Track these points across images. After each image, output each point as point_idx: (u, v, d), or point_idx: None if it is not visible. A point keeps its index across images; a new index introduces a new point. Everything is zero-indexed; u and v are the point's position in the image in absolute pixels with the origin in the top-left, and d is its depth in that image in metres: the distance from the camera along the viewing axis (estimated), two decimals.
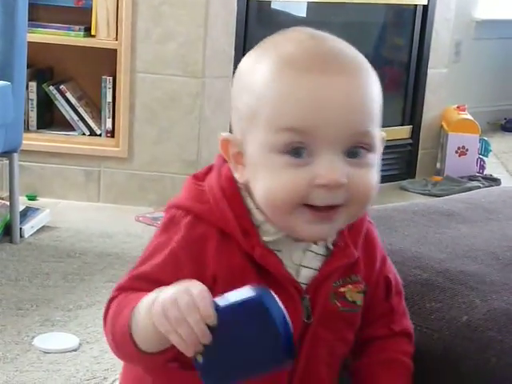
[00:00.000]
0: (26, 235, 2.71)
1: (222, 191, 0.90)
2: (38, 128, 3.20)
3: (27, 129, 3.06)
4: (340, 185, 0.84)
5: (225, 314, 0.78)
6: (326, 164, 0.84)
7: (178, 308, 0.78)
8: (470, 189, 3.16)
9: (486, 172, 3.77)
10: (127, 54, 3.06)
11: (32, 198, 3.09)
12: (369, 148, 0.87)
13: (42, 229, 2.79)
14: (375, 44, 3.76)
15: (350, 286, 0.94)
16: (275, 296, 0.79)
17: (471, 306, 1.05)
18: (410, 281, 1.11)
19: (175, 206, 0.92)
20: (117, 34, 3.06)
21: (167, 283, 0.83)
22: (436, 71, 3.69)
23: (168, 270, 0.88)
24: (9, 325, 2.10)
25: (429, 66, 3.66)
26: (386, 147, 3.63)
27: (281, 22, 3.55)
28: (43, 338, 2.04)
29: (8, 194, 2.71)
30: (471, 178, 3.63)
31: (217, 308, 0.78)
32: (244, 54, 3.26)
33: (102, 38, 3.08)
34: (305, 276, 0.92)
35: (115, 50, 3.07)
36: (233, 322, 0.78)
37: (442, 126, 3.73)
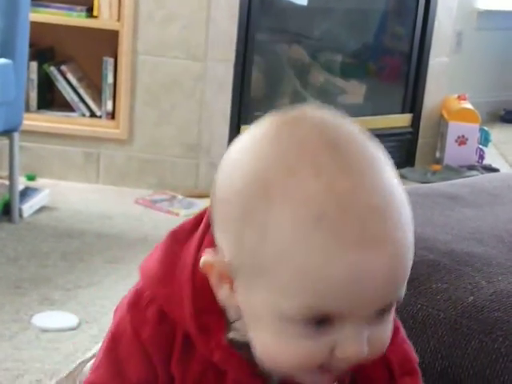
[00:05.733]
0: (25, 215, 2.71)
1: (192, 274, 0.75)
2: (39, 108, 3.20)
3: (27, 109, 3.05)
4: (362, 357, 0.71)
5: None
6: (351, 336, 0.69)
7: None
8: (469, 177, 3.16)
9: (485, 162, 3.77)
10: (129, 35, 3.05)
11: (31, 178, 3.09)
12: (393, 306, 0.73)
13: (41, 209, 2.79)
14: (377, 32, 3.75)
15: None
16: None
17: (477, 287, 1.05)
18: (416, 262, 1.10)
19: (143, 280, 0.79)
20: (119, 16, 3.05)
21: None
22: (437, 60, 3.68)
23: (144, 372, 0.78)
24: (7, 303, 2.10)
25: (430, 55, 3.65)
26: (386, 135, 3.66)
27: (283, 5, 3.54)
28: (42, 316, 2.04)
29: (7, 173, 2.70)
30: (470, 168, 3.63)
31: None
32: (247, 39, 3.22)
33: (104, 19, 3.07)
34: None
35: (117, 32, 3.06)
36: None
37: (442, 115, 3.73)
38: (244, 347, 0.75)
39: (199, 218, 0.79)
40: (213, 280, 0.73)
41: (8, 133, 2.63)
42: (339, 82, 3.71)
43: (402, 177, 3.56)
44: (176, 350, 0.77)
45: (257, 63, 3.33)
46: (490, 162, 3.79)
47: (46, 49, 3.23)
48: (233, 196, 0.69)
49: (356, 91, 3.77)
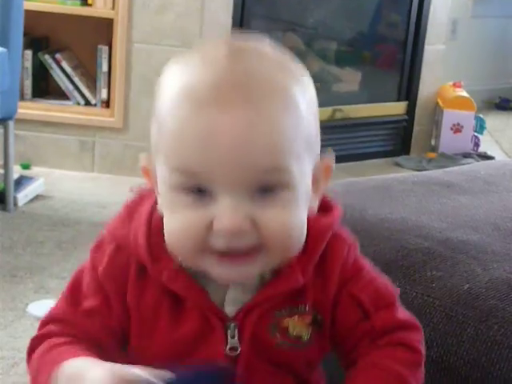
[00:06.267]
0: (20, 204, 2.70)
1: (149, 218, 0.82)
2: (33, 97, 3.18)
3: (22, 97, 3.03)
4: (240, 231, 0.74)
5: None
6: (226, 208, 0.74)
7: None
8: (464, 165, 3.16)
9: (480, 149, 3.77)
10: (124, 23, 3.03)
11: (26, 166, 3.08)
12: (285, 186, 0.75)
13: (36, 198, 2.78)
14: (372, 20, 3.75)
15: (296, 317, 0.83)
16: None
17: (472, 274, 1.05)
18: (411, 249, 1.11)
19: (105, 227, 0.86)
20: (114, 4, 3.03)
21: (98, 313, 0.83)
22: (433, 48, 3.68)
23: (97, 301, 0.84)
24: (3, 292, 2.10)
25: (426, 42, 3.65)
26: (381, 123, 3.65)
27: None
28: (37, 304, 2.04)
29: (2, 162, 2.69)
30: (466, 155, 3.64)
31: None
32: (242, 27, 3.20)
33: (99, 7, 3.05)
34: (232, 306, 0.82)
35: (112, 20, 3.04)
36: None
37: (437, 103, 3.73)
38: (192, 273, 0.80)
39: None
40: (149, 182, 0.82)
41: (2, 121, 2.62)
42: (334, 69, 3.70)
43: (397, 165, 3.56)
44: (130, 279, 0.83)
45: None
46: (485, 150, 3.79)
47: (41, 37, 3.22)
48: (157, 87, 0.80)
49: (351, 79, 3.76)
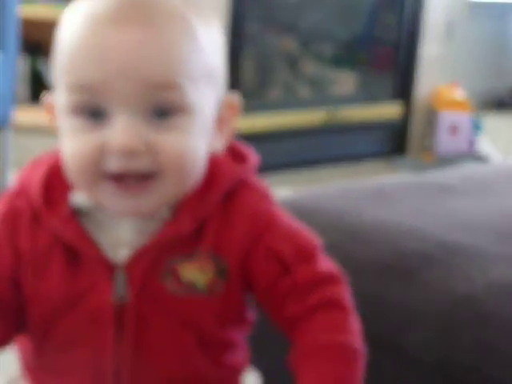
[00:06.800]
0: None
1: (53, 162, 0.82)
2: (29, 103, 3.18)
3: (18, 104, 3.03)
4: (132, 151, 0.73)
5: None
6: (119, 127, 0.74)
7: None
8: (461, 167, 3.17)
9: (476, 151, 3.77)
10: None
11: None
12: (179, 109, 0.75)
13: None
14: (367, 21, 3.75)
15: (189, 264, 0.80)
16: None
17: (470, 278, 1.05)
18: (407, 253, 1.11)
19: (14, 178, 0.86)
20: None
21: None
22: (428, 49, 3.68)
23: None
24: None
25: (421, 44, 3.65)
26: (377, 124, 3.63)
27: None
28: None
29: None
30: (462, 157, 3.64)
31: None
32: (238, 29, 3.17)
33: None
34: (124, 254, 0.80)
35: None
36: None
37: (433, 104, 3.73)
38: (88, 217, 0.80)
39: None
40: (51, 119, 0.81)
41: None
42: (330, 71, 3.71)
43: (393, 166, 3.56)
44: (23, 223, 0.81)
45: (248, 54, 3.32)
46: (482, 151, 3.79)
47: (37, 43, 3.21)
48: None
49: (347, 81, 3.76)
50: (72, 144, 0.76)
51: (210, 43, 0.78)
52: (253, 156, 0.85)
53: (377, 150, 3.67)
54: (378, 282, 1.09)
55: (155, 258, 0.80)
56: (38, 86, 3.22)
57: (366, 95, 3.71)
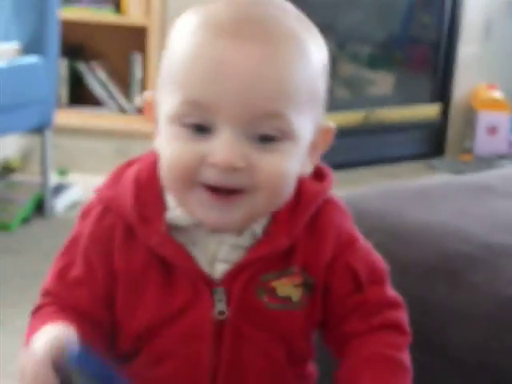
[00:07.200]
0: (58, 211, 2.73)
1: (137, 176, 0.83)
2: (68, 105, 3.22)
3: (58, 105, 3.07)
4: (233, 167, 0.74)
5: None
6: (224, 143, 0.74)
7: (22, 376, 0.74)
8: (500, 167, 3.14)
9: None
10: (157, 31, 3.06)
11: (63, 173, 3.11)
12: (284, 135, 0.76)
13: (74, 204, 2.81)
14: (403, 21, 3.73)
15: (284, 279, 0.82)
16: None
17: None
18: (451, 255, 1.11)
19: (94, 190, 0.86)
20: (147, 11, 3.06)
21: (85, 281, 0.82)
22: (466, 49, 3.65)
23: (83, 268, 0.83)
24: None
25: (459, 43, 3.63)
26: (415, 125, 3.62)
27: None
28: None
29: (40, 170, 2.72)
30: (501, 157, 3.61)
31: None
32: None
33: (133, 15, 3.08)
34: (221, 270, 0.82)
35: (145, 27, 3.07)
36: None
37: (472, 105, 3.70)
38: (183, 233, 0.81)
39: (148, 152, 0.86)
40: (150, 119, 0.82)
41: (40, 130, 2.65)
42: (367, 72, 3.70)
43: (432, 167, 3.54)
44: (117, 241, 0.82)
45: None
46: None
47: (76, 45, 3.25)
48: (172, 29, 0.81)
49: (384, 82, 3.75)
50: (173, 150, 0.77)
51: (319, 66, 0.79)
52: (330, 172, 0.87)
53: (415, 151, 3.65)
54: (423, 283, 1.09)
55: (251, 273, 0.82)
56: (77, 88, 3.26)
57: (404, 96, 3.70)
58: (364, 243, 0.88)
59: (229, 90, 0.73)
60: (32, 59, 2.52)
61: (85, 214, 0.85)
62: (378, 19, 3.67)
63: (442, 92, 3.67)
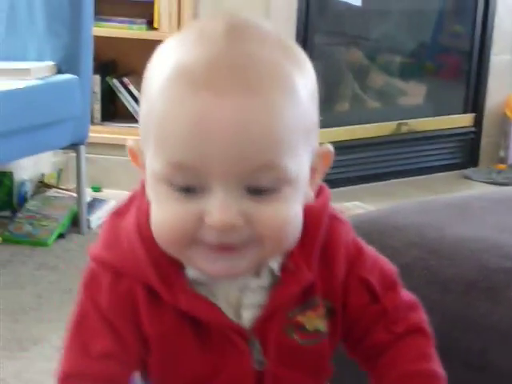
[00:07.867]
0: (94, 226, 2.75)
1: (139, 231, 0.76)
2: (102, 120, 3.24)
3: (91, 121, 3.10)
4: (231, 227, 0.69)
5: None
6: (217, 203, 0.69)
7: None
8: None
9: None
10: None
11: (96, 189, 3.14)
12: (281, 184, 0.70)
13: None
14: (434, 31, 3.72)
15: (309, 312, 0.79)
16: None
17: None
18: (492, 269, 1.10)
19: (92, 258, 0.79)
20: (179, 27, 3.08)
21: (113, 353, 0.77)
22: (499, 58, 3.63)
23: (109, 341, 0.77)
24: None
25: (492, 52, 3.61)
26: (449, 135, 3.59)
27: (340, 7, 3.53)
28: None
29: (75, 185, 2.75)
30: None
31: None
32: (305, 41, 3.20)
33: (165, 30, 3.10)
34: (248, 317, 0.78)
35: None
36: None
37: (505, 114, 3.68)
38: (203, 287, 0.76)
39: (136, 190, 0.81)
40: (136, 166, 0.77)
41: (75, 146, 2.68)
42: (398, 83, 3.68)
43: (466, 177, 3.51)
44: (142, 307, 0.76)
45: (315, 66, 3.32)
46: None
47: (109, 62, 3.28)
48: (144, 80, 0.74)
49: (416, 92, 3.74)
50: (165, 212, 0.71)
51: (308, 97, 0.73)
52: (325, 187, 0.83)
53: (448, 161, 3.63)
54: (463, 299, 1.08)
55: (280, 315, 0.79)
56: (110, 104, 3.29)
57: (436, 105, 3.68)
58: (368, 250, 0.85)
59: (215, 148, 0.67)
60: (67, 77, 2.55)
61: (90, 284, 0.78)
62: (409, 29, 3.67)
63: (474, 101, 3.65)
